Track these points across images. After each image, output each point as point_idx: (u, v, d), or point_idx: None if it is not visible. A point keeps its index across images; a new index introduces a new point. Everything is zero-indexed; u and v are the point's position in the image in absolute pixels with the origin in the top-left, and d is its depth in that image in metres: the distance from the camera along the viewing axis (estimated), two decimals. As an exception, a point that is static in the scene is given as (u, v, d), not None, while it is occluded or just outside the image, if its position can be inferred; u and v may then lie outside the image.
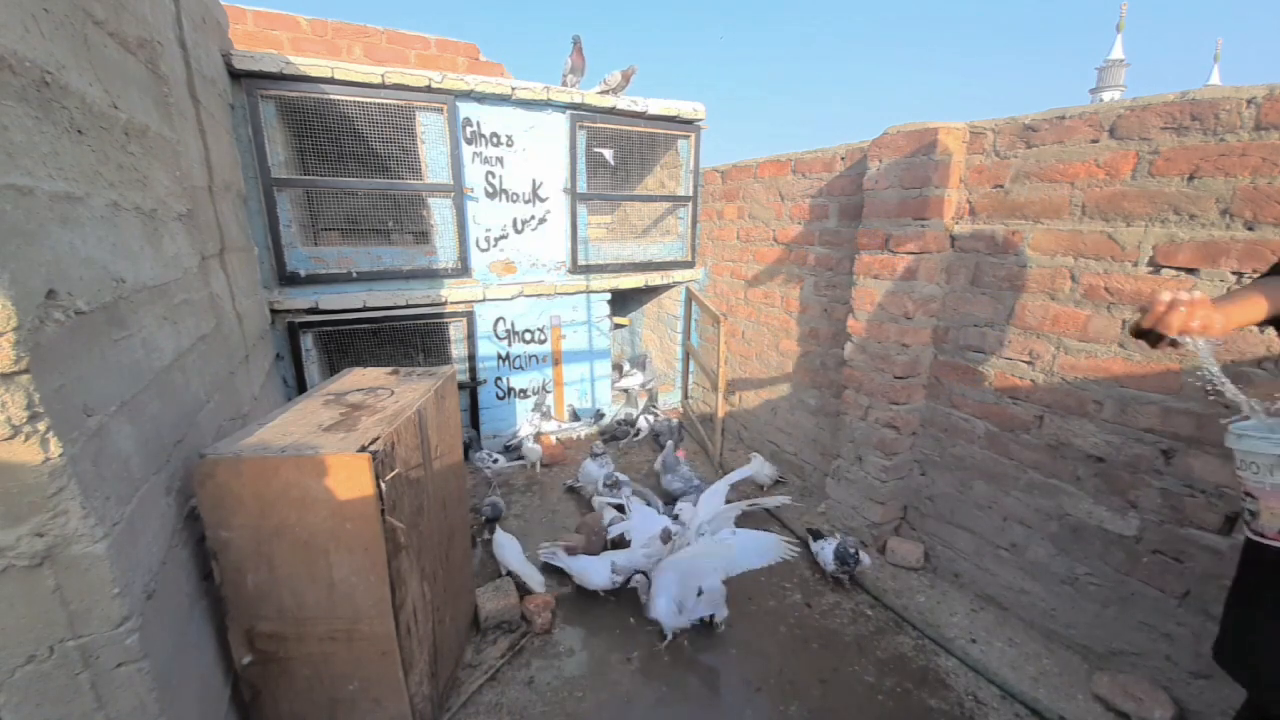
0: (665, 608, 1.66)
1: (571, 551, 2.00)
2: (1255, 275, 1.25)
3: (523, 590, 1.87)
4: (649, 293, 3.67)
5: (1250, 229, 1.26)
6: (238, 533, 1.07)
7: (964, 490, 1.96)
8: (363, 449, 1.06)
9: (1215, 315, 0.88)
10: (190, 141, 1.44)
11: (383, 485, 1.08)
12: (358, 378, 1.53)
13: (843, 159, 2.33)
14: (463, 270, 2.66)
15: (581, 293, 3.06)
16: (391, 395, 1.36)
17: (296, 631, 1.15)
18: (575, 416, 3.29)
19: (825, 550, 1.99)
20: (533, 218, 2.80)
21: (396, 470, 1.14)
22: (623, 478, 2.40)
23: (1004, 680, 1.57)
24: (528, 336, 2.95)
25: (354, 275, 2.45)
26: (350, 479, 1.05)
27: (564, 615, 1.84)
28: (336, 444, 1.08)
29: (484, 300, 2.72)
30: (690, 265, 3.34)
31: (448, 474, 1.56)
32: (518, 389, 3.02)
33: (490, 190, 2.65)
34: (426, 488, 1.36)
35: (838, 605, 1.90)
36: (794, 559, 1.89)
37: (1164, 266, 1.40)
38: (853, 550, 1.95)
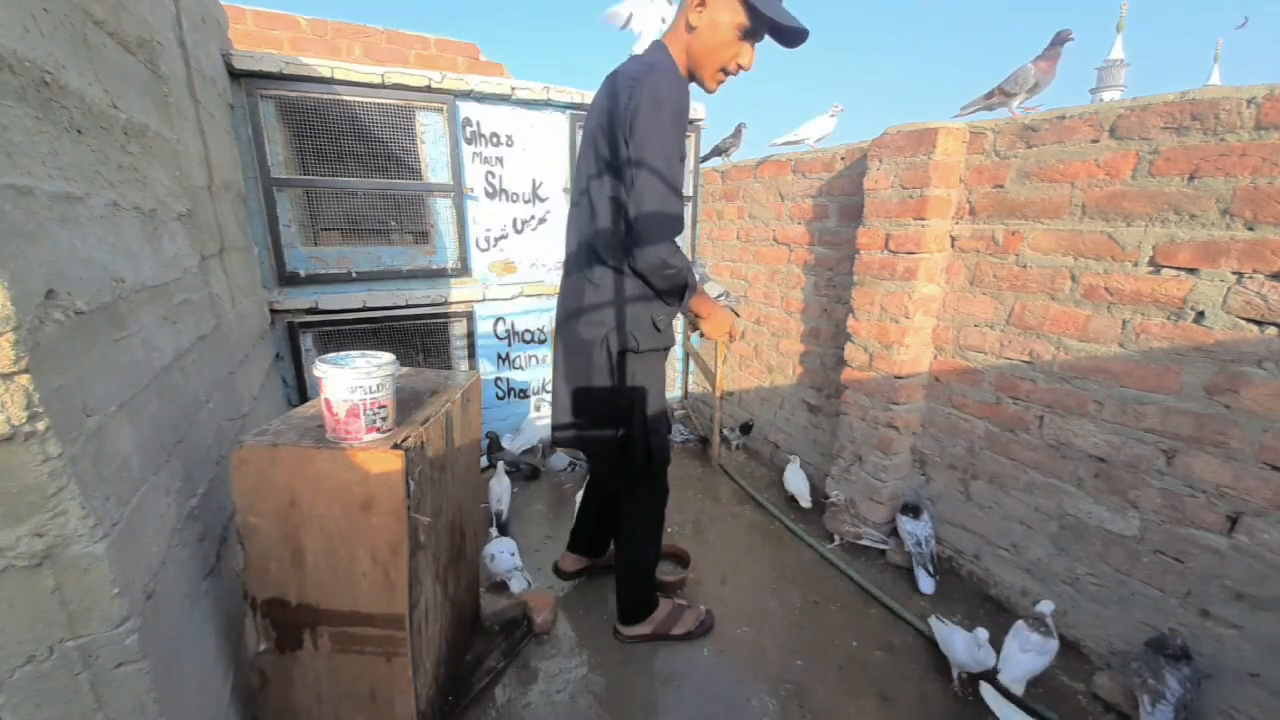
0: None
1: None
2: (1253, 275, 1.26)
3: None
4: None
5: (1250, 229, 1.26)
6: (267, 519, 1.09)
7: (964, 490, 1.96)
8: (396, 446, 1.07)
9: None
10: (190, 141, 1.43)
11: (412, 483, 1.08)
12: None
13: (842, 159, 2.33)
14: (463, 270, 2.66)
15: (581, 293, 3.05)
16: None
17: (313, 623, 1.16)
18: None
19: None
20: (533, 218, 2.80)
21: (422, 468, 1.15)
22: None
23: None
24: (528, 336, 2.95)
25: (354, 275, 2.45)
26: (382, 474, 1.06)
27: (565, 613, 1.84)
28: (369, 439, 1.10)
29: (484, 300, 2.72)
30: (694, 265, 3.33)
31: (465, 476, 1.57)
32: (517, 389, 3.02)
33: (490, 190, 2.65)
34: (446, 488, 1.36)
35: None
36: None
37: (1164, 266, 1.40)
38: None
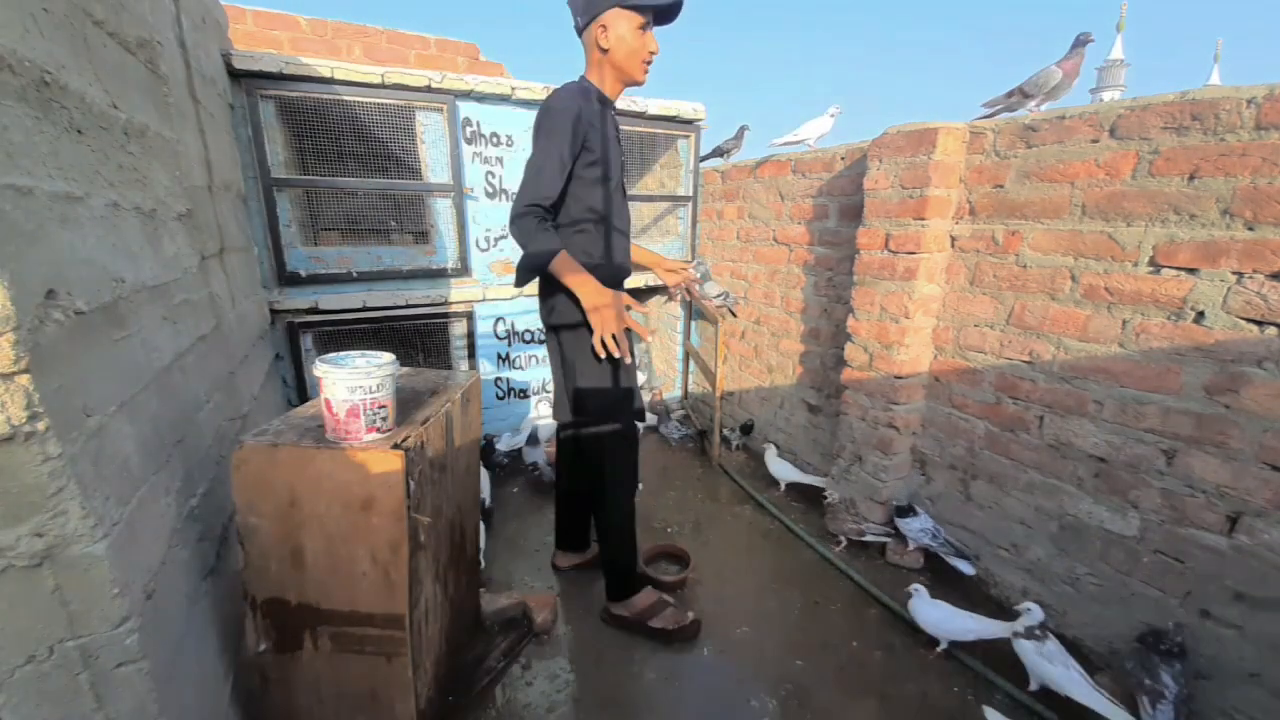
0: None
1: None
2: (1253, 275, 1.26)
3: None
4: (649, 293, 3.67)
5: (1250, 229, 1.26)
6: (267, 520, 1.09)
7: (964, 490, 1.96)
8: (396, 446, 1.07)
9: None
10: (190, 141, 1.44)
11: (411, 483, 1.08)
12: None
13: (843, 159, 2.33)
14: (463, 270, 2.66)
15: (581, 293, 3.05)
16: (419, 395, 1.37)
17: (314, 623, 1.16)
18: None
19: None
20: (533, 218, 2.80)
21: (422, 468, 1.15)
22: None
23: (1002, 681, 1.56)
24: (527, 336, 2.95)
25: (354, 275, 2.45)
26: (382, 474, 1.06)
27: (565, 614, 1.84)
28: (369, 439, 1.10)
29: (484, 300, 2.72)
30: (691, 263, 3.33)
31: (465, 476, 1.57)
32: (517, 389, 3.02)
33: (490, 190, 2.65)
34: (446, 489, 1.36)
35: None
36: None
37: (1164, 266, 1.40)
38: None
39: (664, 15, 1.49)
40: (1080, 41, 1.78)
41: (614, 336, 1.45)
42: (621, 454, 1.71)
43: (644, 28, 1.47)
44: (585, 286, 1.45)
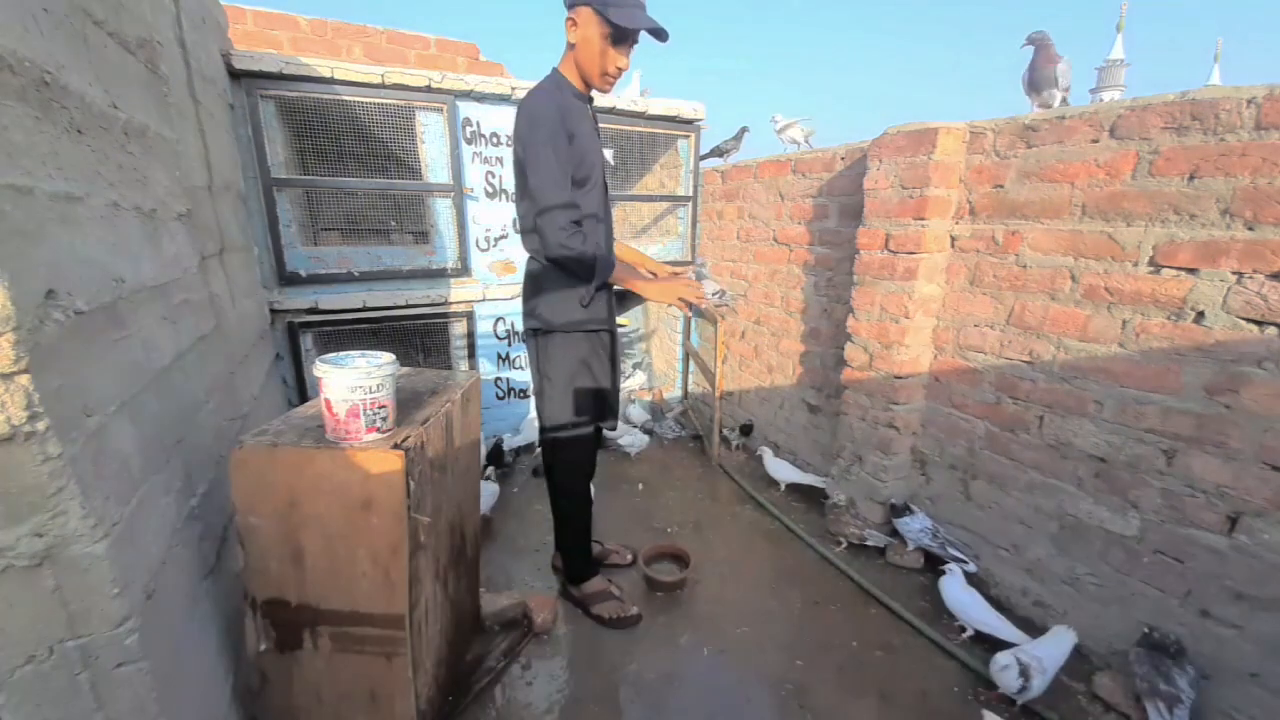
0: None
1: None
2: (1253, 275, 1.26)
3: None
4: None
5: (1250, 229, 1.26)
6: (266, 520, 1.09)
7: (964, 490, 1.96)
8: (396, 446, 1.07)
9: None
10: (190, 141, 1.44)
11: (412, 483, 1.08)
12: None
13: (842, 159, 2.33)
14: (463, 270, 2.66)
15: (581, 293, 3.05)
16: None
17: (313, 623, 1.16)
18: None
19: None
20: (533, 218, 2.80)
21: (422, 468, 1.15)
22: None
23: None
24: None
25: (354, 275, 2.45)
26: (382, 475, 1.06)
27: (565, 614, 1.84)
28: (369, 439, 1.10)
29: (484, 300, 2.72)
30: (690, 265, 3.33)
31: (465, 476, 1.57)
32: (517, 389, 3.02)
33: (490, 190, 2.65)
34: (446, 488, 1.36)
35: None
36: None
37: (1164, 266, 1.40)
38: None
39: (634, 36, 1.43)
40: (1030, 40, 1.93)
41: (688, 291, 1.56)
42: (583, 454, 1.76)
43: (615, 42, 1.40)
44: (639, 284, 1.59)
